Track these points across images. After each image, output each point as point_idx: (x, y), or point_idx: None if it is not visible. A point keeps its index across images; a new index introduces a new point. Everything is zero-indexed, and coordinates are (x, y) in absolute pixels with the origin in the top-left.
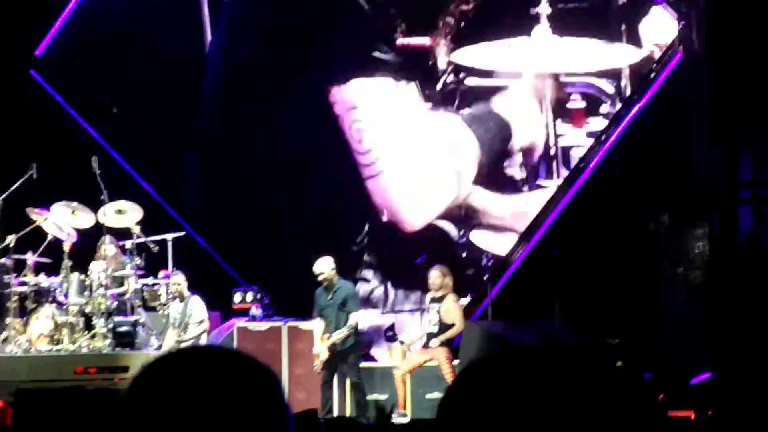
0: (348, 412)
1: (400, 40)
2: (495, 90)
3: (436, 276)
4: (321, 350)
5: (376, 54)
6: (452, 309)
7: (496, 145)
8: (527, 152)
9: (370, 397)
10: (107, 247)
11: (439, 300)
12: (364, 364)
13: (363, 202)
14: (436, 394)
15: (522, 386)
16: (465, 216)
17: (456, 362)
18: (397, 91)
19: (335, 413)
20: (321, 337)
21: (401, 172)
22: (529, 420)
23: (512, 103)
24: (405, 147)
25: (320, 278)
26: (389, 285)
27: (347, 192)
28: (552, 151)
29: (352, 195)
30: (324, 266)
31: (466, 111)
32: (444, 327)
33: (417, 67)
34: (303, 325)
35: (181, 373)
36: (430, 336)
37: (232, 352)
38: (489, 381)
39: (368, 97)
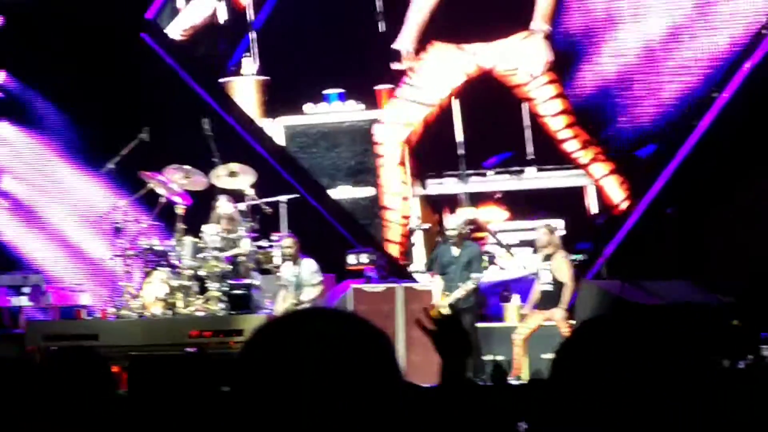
0: None
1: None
2: None
3: (542, 234)
4: (442, 309)
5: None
6: (562, 266)
7: None
8: None
9: (486, 358)
10: (223, 205)
11: (549, 258)
12: (480, 325)
13: None
14: (552, 355)
15: (637, 343)
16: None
17: (573, 322)
18: None
19: None
20: (441, 295)
21: None
22: (643, 376)
23: None
24: None
25: (452, 234)
26: (505, 245)
27: None
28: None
29: None
30: (458, 222)
31: None
32: (558, 284)
33: None
34: (418, 286)
35: (292, 335)
36: (545, 294)
37: (344, 313)
38: (604, 337)
39: None
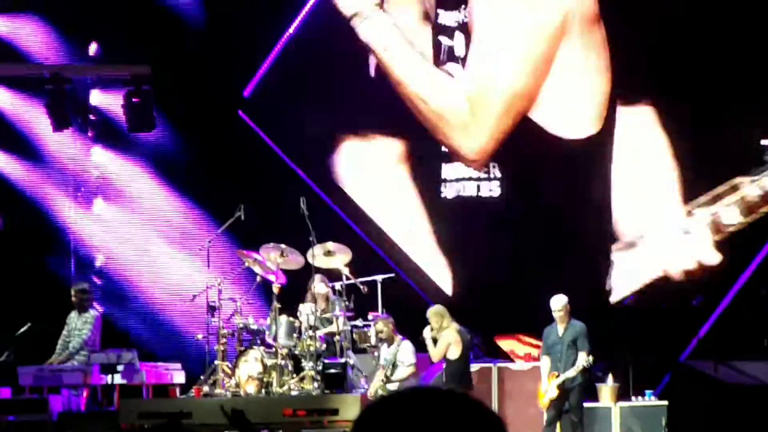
0: None
1: None
2: None
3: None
4: (549, 389)
5: None
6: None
7: None
8: None
9: None
10: (317, 285)
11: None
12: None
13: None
14: None
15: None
16: None
17: (663, 403)
18: None
19: None
20: (548, 375)
21: None
22: None
23: None
24: None
25: (556, 314)
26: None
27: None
28: None
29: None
30: (561, 302)
31: None
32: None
33: None
34: (513, 365)
35: (405, 415)
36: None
37: (459, 394)
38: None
39: None
